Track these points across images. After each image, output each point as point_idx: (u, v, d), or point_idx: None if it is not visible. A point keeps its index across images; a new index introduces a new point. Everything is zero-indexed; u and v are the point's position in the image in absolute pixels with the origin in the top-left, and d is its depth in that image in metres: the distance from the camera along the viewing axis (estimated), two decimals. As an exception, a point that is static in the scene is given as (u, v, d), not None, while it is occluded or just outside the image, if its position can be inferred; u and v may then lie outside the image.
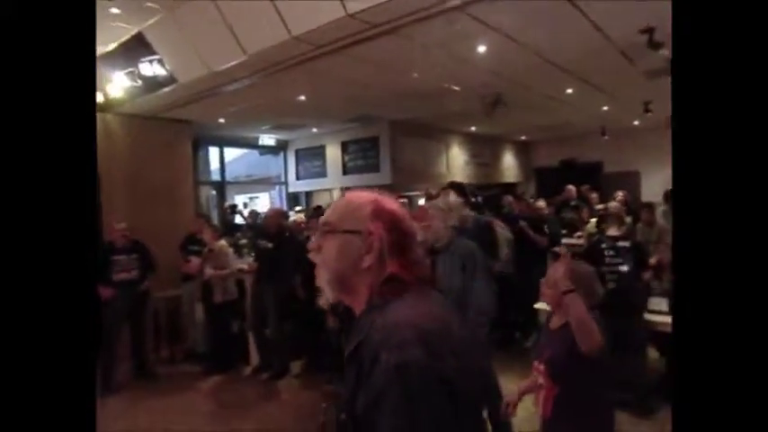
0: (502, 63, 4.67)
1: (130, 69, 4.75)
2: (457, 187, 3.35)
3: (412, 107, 6.52)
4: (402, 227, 0.94)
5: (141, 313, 4.97)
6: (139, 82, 4.80)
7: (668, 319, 3.42)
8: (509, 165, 11.11)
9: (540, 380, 1.80)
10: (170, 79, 4.67)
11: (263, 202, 9.85)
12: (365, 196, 0.98)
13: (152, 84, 4.80)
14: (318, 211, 6.26)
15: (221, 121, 6.79)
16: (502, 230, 4.12)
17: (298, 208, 8.21)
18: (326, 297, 0.95)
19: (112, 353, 4.56)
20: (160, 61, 4.54)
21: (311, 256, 0.96)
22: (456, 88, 5.50)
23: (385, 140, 7.60)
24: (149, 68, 4.59)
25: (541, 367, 1.79)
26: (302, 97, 5.71)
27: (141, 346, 4.95)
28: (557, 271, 1.76)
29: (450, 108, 6.57)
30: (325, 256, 0.93)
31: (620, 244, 3.53)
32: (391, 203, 0.97)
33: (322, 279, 0.93)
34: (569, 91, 6.00)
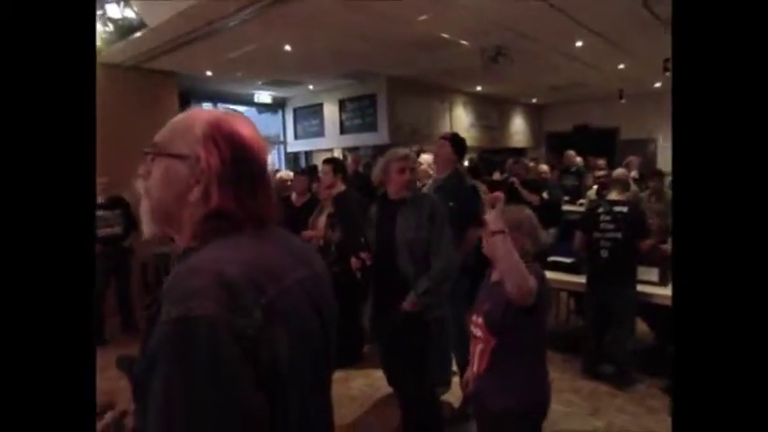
0: (501, 5, 4.21)
1: (99, 12, 4.43)
2: (452, 140, 3.04)
3: (410, 61, 6.10)
4: (247, 155, 0.78)
5: (126, 269, 4.92)
6: (110, 26, 4.49)
7: (658, 290, 3.19)
8: (518, 129, 10.59)
9: (478, 333, 1.72)
10: (141, 23, 4.35)
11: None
12: (205, 114, 0.80)
13: (124, 28, 4.49)
14: (313, 170, 6.00)
15: (209, 73, 6.47)
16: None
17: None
18: (144, 230, 0.80)
19: (99, 307, 4.54)
20: (128, 2, 4.20)
21: (137, 184, 0.80)
22: (459, 41, 5.07)
23: (383, 98, 7.23)
24: (117, 10, 4.26)
25: (479, 320, 1.72)
26: (288, 47, 5.35)
27: (127, 301, 4.92)
28: (488, 213, 1.62)
29: (450, 62, 6.12)
30: (149, 183, 0.79)
31: (618, 209, 3.24)
32: (239, 125, 0.79)
33: (143, 208, 0.80)
34: (579, 44, 5.49)
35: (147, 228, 0.80)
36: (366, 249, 2.39)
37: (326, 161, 3.81)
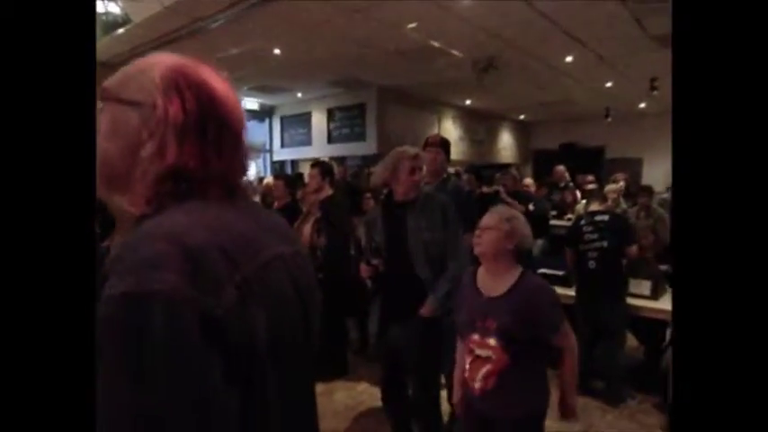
0: (493, 15, 4.20)
1: (82, 5, 4.29)
2: (443, 145, 2.94)
3: (400, 71, 6.07)
4: (216, 109, 0.64)
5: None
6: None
7: (650, 303, 3.13)
8: (506, 145, 10.65)
9: (484, 353, 1.59)
10: (126, 18, 4.23)
11: (250, 171, 9.45)
12: (168, 58, 0.67)
13: (108, 24, 4.35)
14: (299, 178, 5.87)
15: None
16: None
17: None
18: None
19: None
20: (113, -5, 4.08)
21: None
22: (451, 51, 5.04)
23: (372, 108, 7.19)
24: (101, 5, 4.13)
25: (489, 341, 1.58)
26: (277, 50, 5.27)
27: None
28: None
29: (441, 74, 6.11)
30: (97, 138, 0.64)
31: (599, 218, 3.23)
32: (209, 75, 0.67)
33: None
34: (569, 59, 5.53)
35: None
36: (378, 255, 2.25)
37: (314, 164, 3.69)
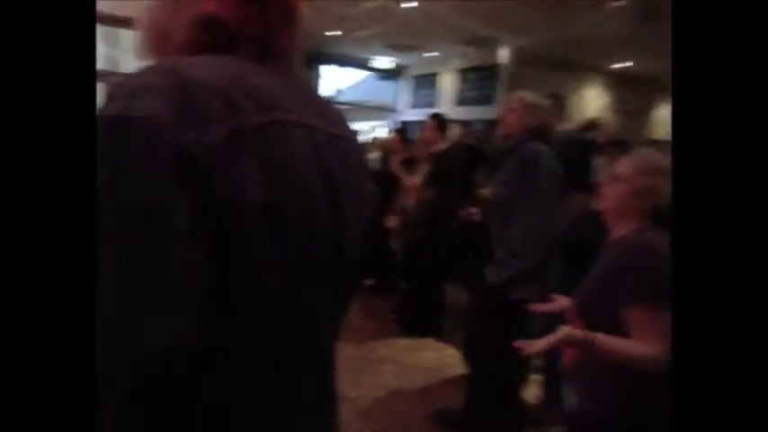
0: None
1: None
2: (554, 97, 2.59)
3: (541, 27, 5.50)
4: None
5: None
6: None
7: None
8: (665, 120, 9.19)
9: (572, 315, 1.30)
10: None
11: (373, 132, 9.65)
12: None
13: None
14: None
15: (334, 33, 6.52)
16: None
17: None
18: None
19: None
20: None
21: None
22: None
23: (506, 69, 6.69)
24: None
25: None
26: (414, 3, 5.11)
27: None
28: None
29: (591, 27, 5.38)
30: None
31: None
32: None
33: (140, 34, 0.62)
34: None
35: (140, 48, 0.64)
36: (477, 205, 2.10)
37: (432, 116, 3.54)
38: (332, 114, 0.63)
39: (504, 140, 2.11)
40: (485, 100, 7.09)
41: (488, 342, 1.99)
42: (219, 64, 0.51)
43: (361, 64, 8.28)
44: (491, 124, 6.85)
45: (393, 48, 7.38)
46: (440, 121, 3.45)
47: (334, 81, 8.20)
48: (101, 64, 5.34)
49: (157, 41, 0.60)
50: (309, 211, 0.53)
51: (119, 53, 5.47)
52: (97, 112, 0.46)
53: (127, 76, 0.48)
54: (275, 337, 0.53)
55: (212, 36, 0.55)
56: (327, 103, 0.65)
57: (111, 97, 0.46)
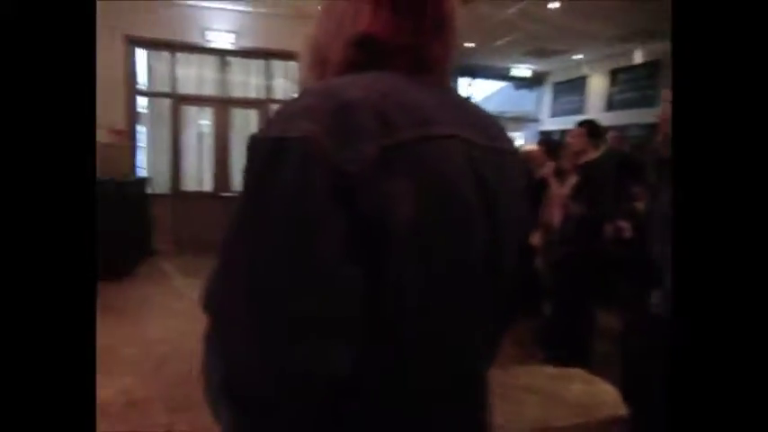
0: None
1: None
2: None
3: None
4: None
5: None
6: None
7: None
8: None
9: None
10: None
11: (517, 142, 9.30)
12: None
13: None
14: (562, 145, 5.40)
15: (469, 45, 6.46)
16: None
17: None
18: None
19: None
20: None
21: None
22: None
23: (668, 65, 5.89)
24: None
25: None
26: (556, 4, 4.81)
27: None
28: None
29: None
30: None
31: None
32: None
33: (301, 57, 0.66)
34: None
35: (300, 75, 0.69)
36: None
37: (581, 123, 3.25)
38: (490, 127, 0.60)
39: (666, 146, 1.83)
40: (640, 102, 6.33)
41: (656, 383, 1.73)
42: (373, 81, 0.51)
43: (500, 74, 8.06)
44: (649, 129, 6.08)
45: (531, 54, 7.05)
46: (591, 129, 3.15)
47: (468, 92, 8.12)
48: (257, 93, 6.12)
49: (317, 66, 0.62)
50: (464, 228, 0.51)
51: (273, 82, 6.16)
52: (257, 136, 0.48)
53: (284, 103, 0.50)
54: (425, 363, 0.50)
55: (367, 53, 0.55)
56: (485, 115, 0.62)
57: (269, 121, 0.48)
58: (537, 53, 6.96)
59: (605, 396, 2.65)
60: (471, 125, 0.56)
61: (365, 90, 0.48)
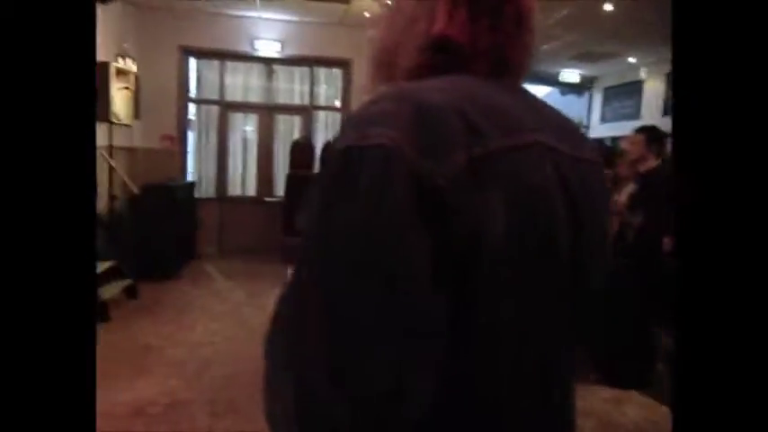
0: None
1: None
2: None
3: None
4: None
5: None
6: None
7: None
8: None
9: None
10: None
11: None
12: None
13: None
14: (616, 153, 5.16)
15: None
16: None
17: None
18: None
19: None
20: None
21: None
22: None
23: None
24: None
25: None
26: (609, 6, 4.60)
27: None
28: None
29: None
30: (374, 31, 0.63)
31: None
32: None
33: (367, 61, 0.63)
34: None
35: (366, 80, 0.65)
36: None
37: (640, 129, 3.07)
38: (574, 134, 0.56)
39: None
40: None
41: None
42: (454, 85, 0.47)
43: (548, 79, 7.83)
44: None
45: (580, 59, 6.80)
46: (650, 135, 2.96)
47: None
48: (300, 99, 6.23)
49: (383, 69, 0.59)
50: (554, 244, 0.46)
51: (317, 89, 6.24)
52: (331, 143, 0.44)
53: (359, 107, 0.46)
54: (510, 379, 0.45)
55: (444, 57, 0.52)
56: (568, 122, 0.57)
57: (343, 128, 0.44)
58: (585, 57, 6.72)
59: (662, 421, 2.45)
60: (555, 132, 0.51)
61: (448, 93, 0.44)
